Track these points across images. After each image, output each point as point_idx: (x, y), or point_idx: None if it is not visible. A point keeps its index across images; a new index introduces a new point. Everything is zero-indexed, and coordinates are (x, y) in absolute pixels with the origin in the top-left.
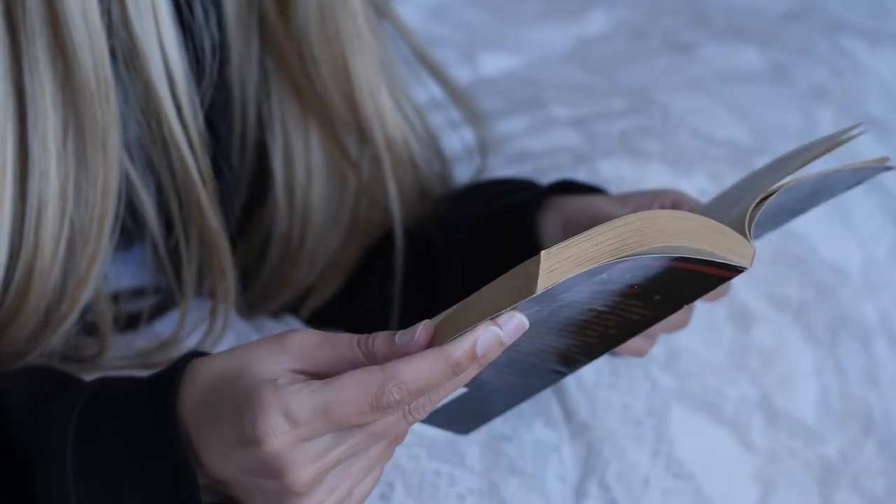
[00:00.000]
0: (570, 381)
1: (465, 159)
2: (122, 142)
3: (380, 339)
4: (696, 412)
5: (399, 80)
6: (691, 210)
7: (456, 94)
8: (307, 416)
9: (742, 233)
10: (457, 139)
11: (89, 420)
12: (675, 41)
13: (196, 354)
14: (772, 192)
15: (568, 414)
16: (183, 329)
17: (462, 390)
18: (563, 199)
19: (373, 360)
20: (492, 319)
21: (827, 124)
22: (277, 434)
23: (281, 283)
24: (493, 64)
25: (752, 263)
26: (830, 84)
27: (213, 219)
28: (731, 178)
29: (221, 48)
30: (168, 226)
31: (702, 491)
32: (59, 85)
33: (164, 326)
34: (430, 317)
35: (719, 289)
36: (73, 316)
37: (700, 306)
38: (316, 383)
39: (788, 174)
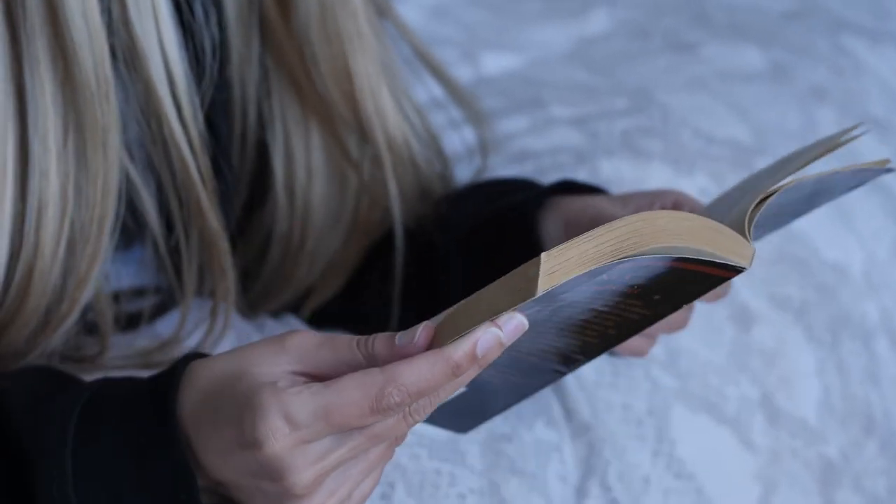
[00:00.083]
0: (571, 381)
1: (465, 159)
2: (123, 141)
3: (379, 341)
4: (697, 412)
5: (400, 80)
6: (692, 211)
7: (457, 94)
8: (307, 418)
9: (742, 233)
10: (458, 139)
11: (89, 420)
12: (675, 41)
13: (195, 356)
14: (771, 193)
15: (569, 414)
16: (184, 329)
17: (462, 390)
18: (564, 200)
19: (373, 361)
20: (492, 321)
21: (828, 124)
22: (278, 437)
23: (281, 283)
24: (494, 63)
25: (751, 264)
26: (831, 84)
27: (213, 219)
28: (731, 178)
29: (222, 48)
30: (168, 225)
31: (703, 491)
32: (60, 84)
33: (165, 326)
34: (430, 317)
35: (719, 289)
36: (74, 316)
37: (701, 306)
38: (316, 386)
39: (789, 175)
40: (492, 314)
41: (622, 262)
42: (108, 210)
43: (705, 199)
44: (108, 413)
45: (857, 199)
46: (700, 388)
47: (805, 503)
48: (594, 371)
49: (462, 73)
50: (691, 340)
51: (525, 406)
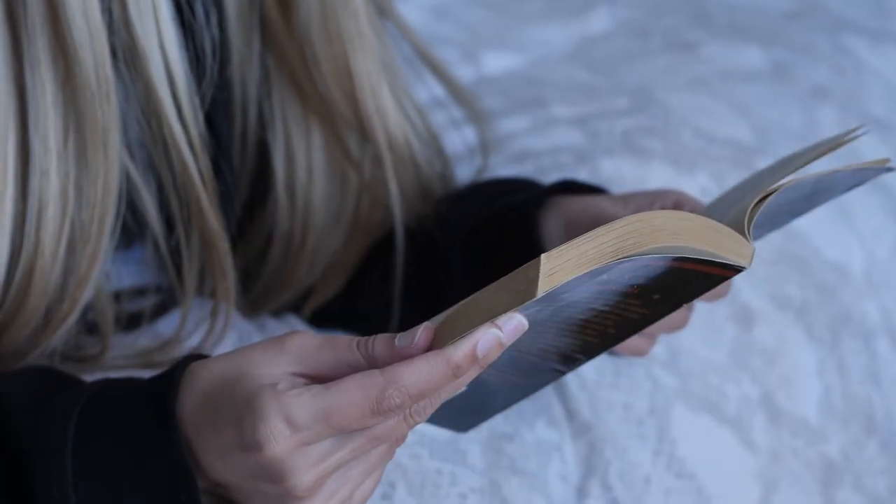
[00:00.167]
0: (572, 381)
1: (466, 158)
2: (123, 141)
3: (379, 342)
4: (697, 411)
5: (400, 79)
6: (692, 210)
7: (458, 93)
8: (308, 420)
9: (741, 232)
10: (458, 138)
11: (89, 420)
12: (676, 40)
13: (195, 357)
14: (771, 192)
15: (570, 413)
16: (184, 329)
17: (462, 389)
18: (565, 200)
19: (372, 362)
20: (492, 321)
21: (829, 123)
22: (278, 439)
23: (282, 283)
24: (495, 63)
25: (751, 263)
26: (832, 83)
27: (214, 220)
28: (732, 177)
29: (222, 47)
30: (169, 225)
31: (703, 490)
32: (60, 84)
33: (166, 326)
34: (430, 317)
35: (719, 289)
36: (74, 315)
37: (701, 306)
38: (316, 387)
39: (789, 175)
40: (492, 315)
41: (622, 262)
42: (108, 210)
43: (706, 199)
44: (108, 413)
45: (857, 199)
46: (701, 387)
47: (806, 503)
48: (595, 371)
49: (463, 72)
50: (692, 340)
51: (526, 405)
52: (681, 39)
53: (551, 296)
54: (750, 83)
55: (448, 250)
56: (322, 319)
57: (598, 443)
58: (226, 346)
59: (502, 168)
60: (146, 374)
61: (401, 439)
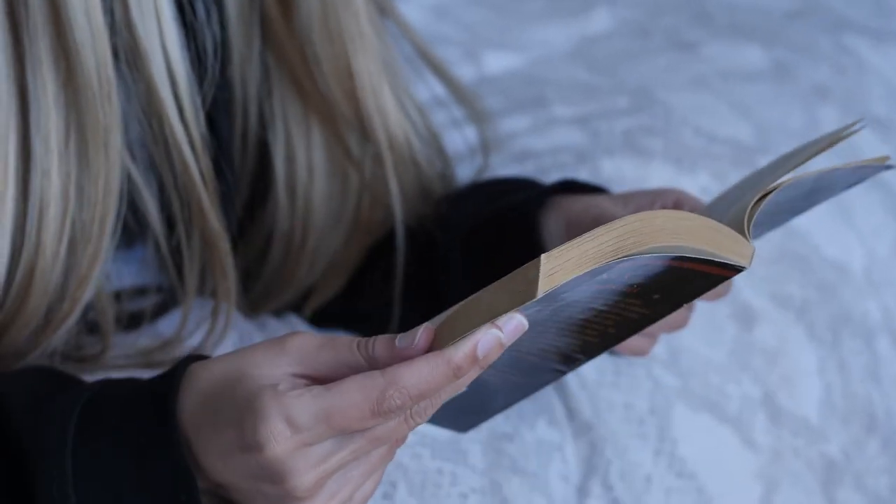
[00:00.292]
0: (573, 381)
1: (467, 158)
2: (124, 142)
3: (380, 343)
4: (698, 411)
5: (401, 79)
6: (693, 209)
7: (458, 93)
8: (308, 421)
9: (741, 232)
10: (459, 138)
11: (89, 420)
12: (677, 39)
13: (196, 357)
14: (771, 191)
15: (570, 413)
16: (185, 328)
17: (462, 390)
18: (566, 199)
19: (373, 363)
20: (492, 322)
21: (830, 123)
22: (279, 440)
23: (283, 283)
24: (496, 62)
25: (751, 263)
26: (834, 83)
27: (215, 220)
28: (733, 177)
29: (223, 47)
30: (170, 225)
31: (704, 490)
32: (62, 85)
33: (167, 325)
34: (431, 317)
35: (719, 289)
36: (75, 315)
37: (702, 305)
38: (317, 388)
39: (789, 172)
40: (492, 315)
41: (622, 262)
42: (109, 210)
43: (707, 198)
44: (108, 413)
45: (857, 197)
46: (701, 387)
47: (807, 502)
48: (596, 370)
49: (464, 72)
50: (693, 339)
51: (527, 405)
52: (681, 39)
53: (551, 296)
54: (751, 83)
55: (448, 250)
56: (323, 319)
57: (599, 442)
58: (226, 346)
59: (503, 168)
60: (147, 373)
61: (401, 440)
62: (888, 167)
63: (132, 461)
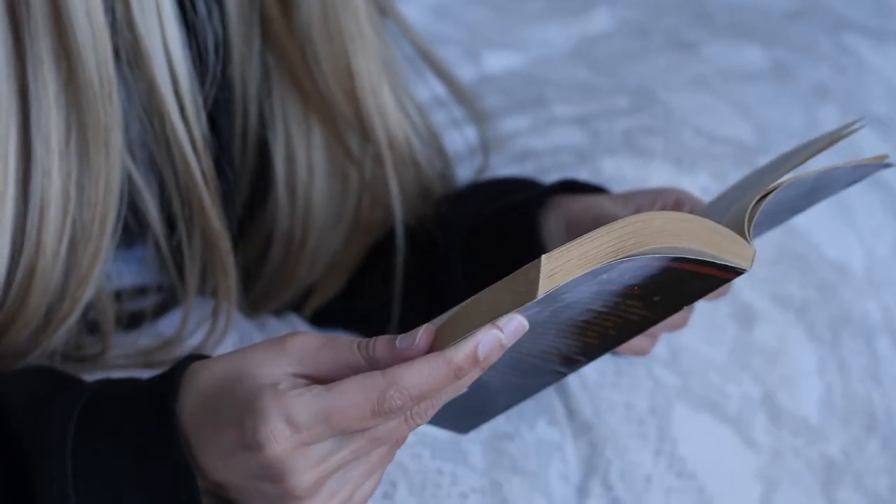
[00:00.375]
0: (573, 380)
1: (467, 157)
2: (125, 141)
3: (380, 344)
4: (698, 411)
5: (401, 79)
6: (693, 209)
7: (459, 93)
8: (309, 421)
9: (742, 234)
10: (459, 137)
11: (89, 420)
12: (677, 39)
13: (196, 357)
14: (771, 191)
15: (571, 413)
16: (185, 328)
17: (463, 391)
18: (566, 199)
19: (373, 364)
20: (492, 323)
21: (830, 123)
22: (279, 439)
23: (283, 283)
24: (496, 62)
25: (751, 265)
26: (834, 82)
27: (216, 219)
28: (734, 177)
29: (223, 46)
30: (170, 225)
31: (704, 490)
32: (63, 84)
33: (167, 325)
34: (430, 316)
35: (720, 288)
36: (75, 315)
37: (702, 305)
38: (317, 388)
39: (788, 171)
40: (493, 316)
41: (622, 262)
42: (109, 209)
43: (707, 198)
44: (108, 413)
45: (857, 196)
46: (702, 386)
47: (807, 502)
48: (596, 370)
49: (464, 71)
50: (693, 339)
51: (527, 405)
52: (681, 39)
53: (551, 296)
54: (751, 82)
55: (448, 250)
56: (323, 319)
57: (599, 442)
58: (227, 346)
59: (503, 167)
60: (147, 373)
61: (401, 441)
62: (887, 165)
63: (132, 461)
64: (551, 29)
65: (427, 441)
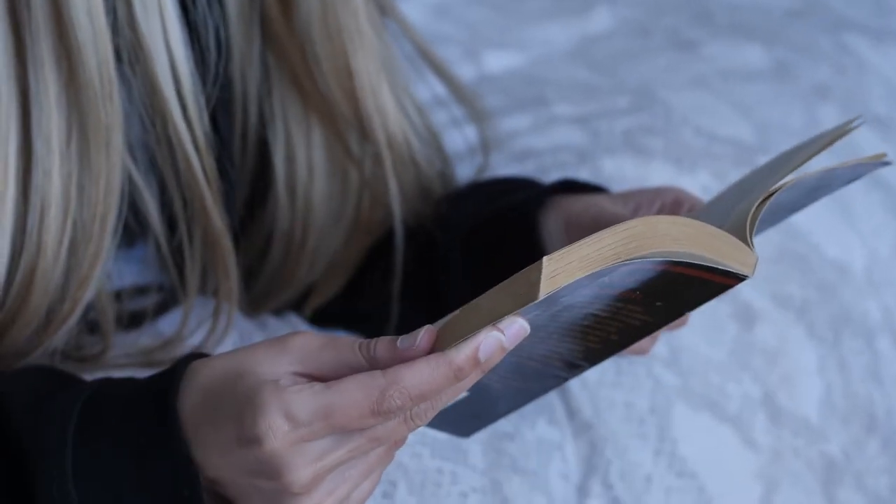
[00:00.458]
0: (574, 380)
1: (467, 157)
2: (125, 142)
3: (381, 344)
4: (698, 410)
5: (401, 78)
6: (692, 207)
7: (459, 92)
8: (308, 417)
9: (744, 239)
10: (460, 137)
11: (90, 420)
12: (678, 39)
13: (196, 356)
14: (772, 193)
15: (571, 412)
16: (186, 327)
17: (464, 394)
18: (565, 199)
19: (374, 364)
20: (494, 325)
21: (830, 122)
22: (277, 434)
23: (283, 282)
24: (497, 62)
25: (753, 272)
26: (834, 82)
27: (218, 218)
28: (734, 176)
29: (223, 45)
30: (171, 225)
31: (704, 489)
32: (64, 85)
33: (168, 325)
34: (430, 316)
35: None
36: (76, 316)
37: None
38: (318, 385)
39: (789, 172)
40: (494, 318)
41: (623, 266)
42: (110, 209)
43: (707, 198)
44: (108, 412)
45: (857, 196)
46: (702, 386)
47: (807, 502)
48: (596, 370)
49: (464, 71)
50: (693, 338)
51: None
52: (682, 38)
53: (553, 299)
54: (751, 82)
55: (448, 250)
56: (323, 319)
57: (599, 442)
58: (227, 346)
59: (503, 167)
60: (147, 373)
61: (400, 441)
62: (885, 163)
63: (132, 460)
64: (551, 28)
65: (427, 440)
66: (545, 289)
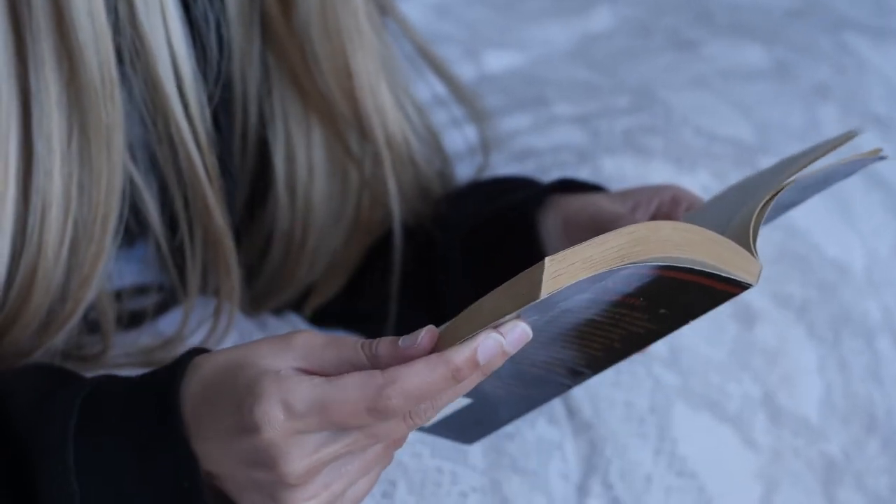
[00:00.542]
0: None
1: (467, 157)
2: (125, 142)
3: (383, 344)
4: (698, 410)
5: (400, 77)
6: (691, 205)
7: (459, 92)
8: (305, 408)
9: (747, 247)
10: (459, 136)
11: (90, 416)
12: (678, 38)
13: (199, 351)
14: (773, 197)
15: (571, 412)
16: (186, 327)
17: (466, 401)
18: (564, 198)
19: (376, 363)
20: (494, 327)
21: (830, 122)
22: (274, 423)
23: (283, 282)
24: (497, 61)
25: (758, 280)
26: (834, 82)
27: (219, 217)
28: (734, 176)
29: (225, 43)
30: (172, 225)
31: (704, 489)
32: (65, 85)
33: (168, 324)
34: (430, 315)
35: None
36: (77, 316)
37: None
38: (318, 378)
39: (789, 178)
40: (494, 319)
41: (624, 269)
42: (111, 209)
43: (707, 197)
44: (109, 408)
45: (857, 196)
46: (702, 385)
47: (807, 502)
48: None
49: (464, 70)
50: (693, 338)
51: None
52: (682, 38)
53: (550, 303)
54: (751, 82)
55: (448, 250)
56: (323, 319)
57: (599, 441)
58: (227, 345)
59: (503, 167)
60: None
61: (400, 441)
62: (881, 158)
63: (133, 455)
64: (552, 28)
65: (427, 440)
66: (547, 289)
